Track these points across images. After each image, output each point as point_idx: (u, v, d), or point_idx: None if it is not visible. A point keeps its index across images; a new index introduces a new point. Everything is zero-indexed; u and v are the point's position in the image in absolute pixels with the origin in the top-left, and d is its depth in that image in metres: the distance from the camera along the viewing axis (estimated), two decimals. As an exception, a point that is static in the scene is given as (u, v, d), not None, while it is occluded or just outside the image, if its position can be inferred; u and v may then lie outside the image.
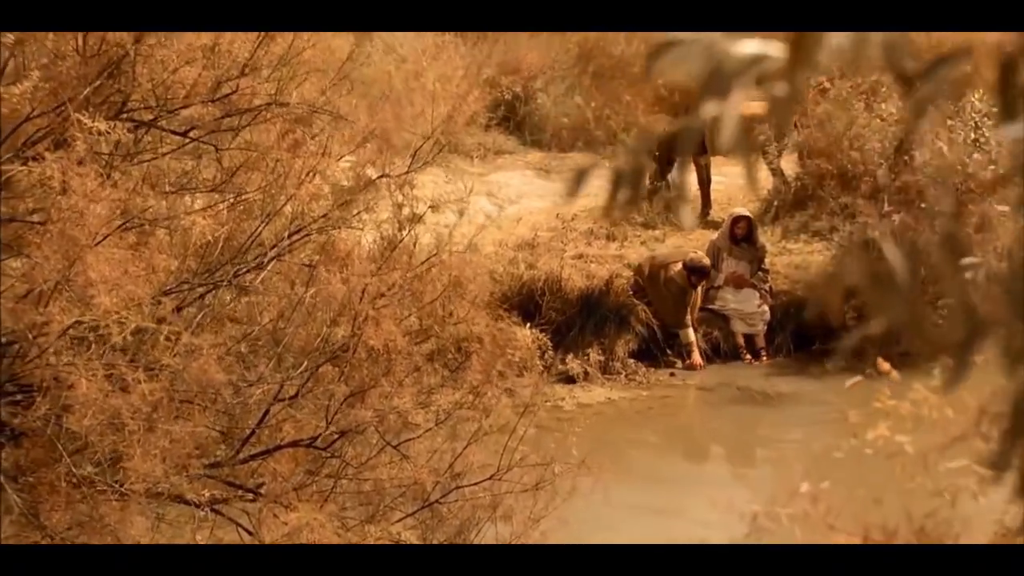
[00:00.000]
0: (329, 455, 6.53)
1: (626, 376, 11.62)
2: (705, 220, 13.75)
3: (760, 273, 12.34)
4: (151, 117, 5.38)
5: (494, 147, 15.46)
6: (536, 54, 16.53)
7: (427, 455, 6.67)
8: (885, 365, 4.18)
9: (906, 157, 11.98)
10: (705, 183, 13.99)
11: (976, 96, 13.87)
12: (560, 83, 16.32)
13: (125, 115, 5.37)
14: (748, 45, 1.70)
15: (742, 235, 12.36)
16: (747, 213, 12.62)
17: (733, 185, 14.70)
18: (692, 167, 14.18)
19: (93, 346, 4.77)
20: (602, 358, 11.61)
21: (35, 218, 4.93)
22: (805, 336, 12.29)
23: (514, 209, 13.91)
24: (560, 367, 10.72)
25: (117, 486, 4.95)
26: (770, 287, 12.33)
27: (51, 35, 5.17)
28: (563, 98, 16.18)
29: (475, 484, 6.67)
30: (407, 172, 6.22)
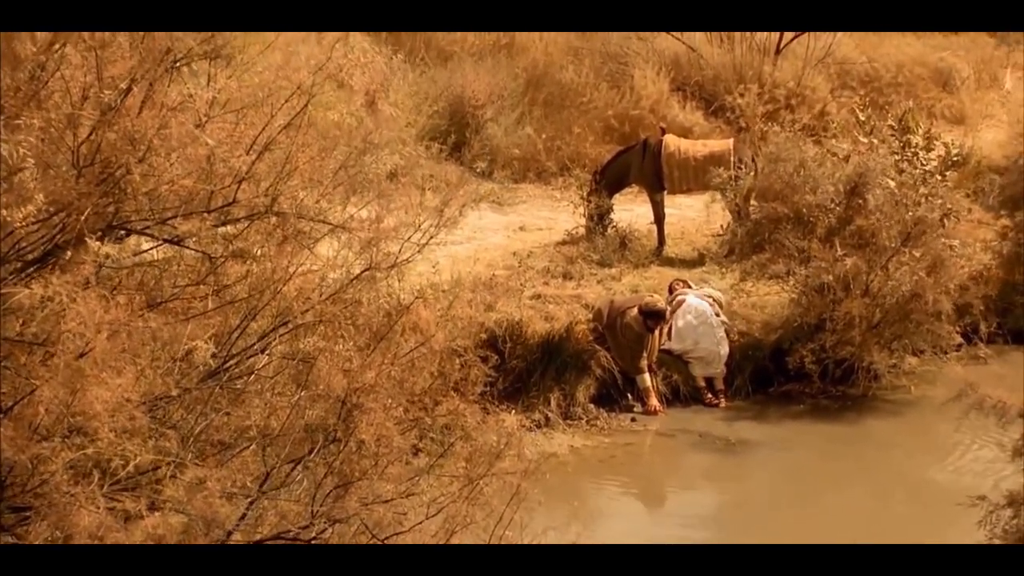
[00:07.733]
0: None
1: (587, 422, 11.61)
2: (660, 257, 13.77)
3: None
4: (143, 226, 5.30)
5: (446, 179, 15.36)
6: (485, 82, 16.43)
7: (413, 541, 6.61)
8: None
9: (860, 200, 12.05)
10: (660, 220, 14.03)
11: (919, 134, 13.98)
12: (510, 113, 16.25)
13: (116, 224, 5.28)
14: None
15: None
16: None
17: (685, 218, 14.75)
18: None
19: (96, 476, 4.69)
20: (563, 404, 11.61)
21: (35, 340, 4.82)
22: (763, 378, 12.36)
23: (472, 245, 13.85)
24: (524, 415, 10.67)
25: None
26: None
27: (42, 145, 5.05)
28: (513, 128, 16.11)
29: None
30: (394, 266, 6.19)
